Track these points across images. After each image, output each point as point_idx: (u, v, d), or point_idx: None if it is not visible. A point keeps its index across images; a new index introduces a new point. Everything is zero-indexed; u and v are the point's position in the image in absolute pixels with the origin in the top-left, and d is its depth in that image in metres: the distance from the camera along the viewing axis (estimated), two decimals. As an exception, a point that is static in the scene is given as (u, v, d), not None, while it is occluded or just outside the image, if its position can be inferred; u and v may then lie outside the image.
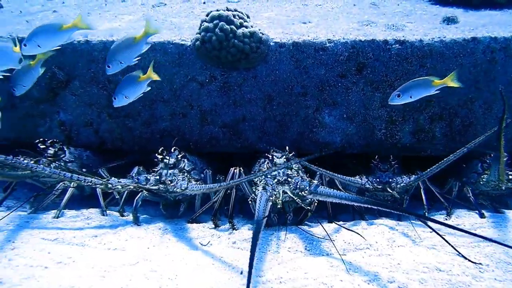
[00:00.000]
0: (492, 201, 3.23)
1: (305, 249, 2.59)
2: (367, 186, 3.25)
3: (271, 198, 2.75)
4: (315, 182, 2.85)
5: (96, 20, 4.33)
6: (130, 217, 3.30)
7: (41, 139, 3.58)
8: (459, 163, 3.38)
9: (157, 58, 3.56)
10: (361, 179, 3.29)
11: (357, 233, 2.65)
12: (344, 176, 3.22)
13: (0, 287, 1.94)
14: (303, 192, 2.74)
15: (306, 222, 3.15)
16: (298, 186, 2.83)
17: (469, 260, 2.09)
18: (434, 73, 3.31)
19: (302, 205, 2.79)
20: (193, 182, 3.32)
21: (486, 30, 3.39)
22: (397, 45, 3.34)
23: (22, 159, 3.20)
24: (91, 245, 2.67)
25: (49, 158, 3.48)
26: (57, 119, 3.82)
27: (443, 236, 2.30)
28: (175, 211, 3.42)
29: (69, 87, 3.74)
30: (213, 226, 3.17)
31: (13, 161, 2.88)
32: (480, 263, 2.06)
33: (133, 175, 3.29)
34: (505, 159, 3.20)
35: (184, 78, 3.58)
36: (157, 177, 3.19)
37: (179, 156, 3.42)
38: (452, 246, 2.22)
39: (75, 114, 3.79)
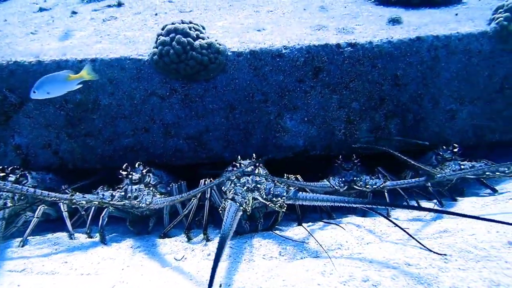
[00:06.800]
0: (449, 190, 3.45)
1: (280, 254, 2.65)
2: (336, 187, 3.36)
3: (241, 208, 2.80)
4: (292, 188, 2.89)
5: (45, 39, 4.19)
6: (98, 238, 3.24)
7: (0, 167, 3.44)
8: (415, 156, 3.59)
9: (114, 74, 3.52)
10: (329, 182, 3.40)
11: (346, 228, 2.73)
12: (314, 183, 3.32)
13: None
14: (279, 199, 2.80)
15: (277, 227, 3.22)
16: (271, 192, 2.89)
17: (434, 252, 2.25)
18: (385, 73, 3.51)
19: (276, 208, 2.85)
20: (158, 196, 3.30)
21: (429, 29, 3.62)
22: (349, 48, 3.49)
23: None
24: (63, 272, 2.61)
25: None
26: (12, 143, 3.68)
27: (407, 230, 2.45)
28: (145, 226, 3.40)
29: (22, 109, 3.61)
30: (186, 239, 3.17)
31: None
32: (444, 254, 2.22)
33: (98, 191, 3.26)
34: (456, 149, 3.44)
35: (144, 92, 3.56)
36: (123, 193, 3.19)
37: (144, 171, 3.41)
38: (417, 240, 2.37)
39: (31, 136, 3.66)
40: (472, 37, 3.48)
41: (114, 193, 3.17)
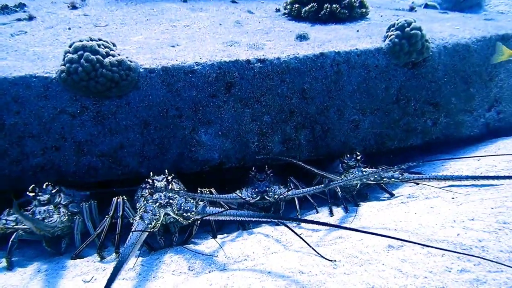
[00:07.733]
0: (353, 195, 3.70)
1: (189, 269, 2.71)
2: (247, 199, 3.49)
3: (149, 226, 2.83)
4: (201, 203, 3.00)
5: None
6: (3, 263, 3.11)
7: None
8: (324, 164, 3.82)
9: (19, 93, 3.39)
10: (241, 193, 3.51)
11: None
12: (225, 195, 3.42)
13: None
14: (189, 214, 2.89)
15: (193, 240, 3.28)
16: (182, 207, 2.97)
17: (326, 259, 2.41)
18: (293, 87, 3.70)
19: (187, 222, 2.94)
20: (55, 217, 3.23)
21: (332, 45, 3.87)
22: (259, 63, 3.64)
23: None
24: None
25: None
26: None
27: (304, 238, 2.60)
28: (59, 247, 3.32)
29: None
30: (99, 259, 3.14)
31: None
32: (334, 260, 2.39)
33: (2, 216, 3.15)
34: (359, 157, 3.71)
35: (53, 110, 3.47)
36: (30, 215, 3.11)
37: (53, 191, 3.34)
38: (312, 247, 2.52)
39: None
40: (369, 53, 3.78)
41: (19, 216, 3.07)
